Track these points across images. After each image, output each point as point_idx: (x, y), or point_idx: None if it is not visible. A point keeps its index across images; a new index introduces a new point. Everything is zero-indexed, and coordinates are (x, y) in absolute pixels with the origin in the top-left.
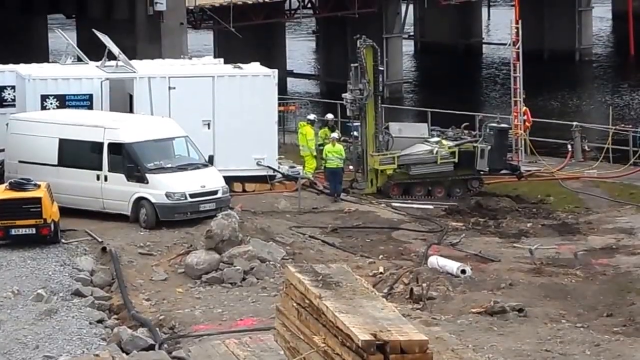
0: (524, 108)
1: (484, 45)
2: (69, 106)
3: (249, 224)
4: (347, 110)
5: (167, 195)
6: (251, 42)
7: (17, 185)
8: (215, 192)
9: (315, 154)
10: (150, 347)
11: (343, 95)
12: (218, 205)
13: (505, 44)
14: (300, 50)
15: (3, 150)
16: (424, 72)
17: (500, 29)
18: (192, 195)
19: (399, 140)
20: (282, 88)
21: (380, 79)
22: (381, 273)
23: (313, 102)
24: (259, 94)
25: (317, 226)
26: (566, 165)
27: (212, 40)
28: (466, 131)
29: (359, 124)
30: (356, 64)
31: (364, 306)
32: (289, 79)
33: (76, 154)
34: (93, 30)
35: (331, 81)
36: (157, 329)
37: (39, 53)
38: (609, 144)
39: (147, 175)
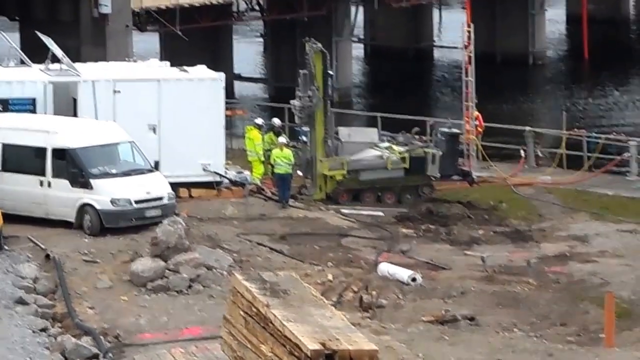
0: (476, 113)
1: (435, 49)
2: (12, 110)
3: (195, 231)
4: (296, 117)
5: (112, 201)
6: (198, 45)
7: None
8: (161, 198)
9: (263, 159)
10: (95, 356)
11: (291, 102)
12: (164, 211)
13: (457, 47)
14: (248, 53)
15: None
16: (375, 77)
17: (452, 32)
18: (137, 202)
19: (349, 145)
20: (229, 92)
21: (330, 83)
22: (330, 281)
23: (261, 107)
24: (206, 98)
25: (265, 233)
26: (519, 171)
27: (158, 43)
28: (417, 136)
29: (307, 129)
30: (305, 71)
31: (313, 315)
32: (236, 83)
33: (19, 159)
34: (36, 32)
35: (279, 85)
36: (102, 337)
37: None
38: (562, 149)
39: (92, 181)
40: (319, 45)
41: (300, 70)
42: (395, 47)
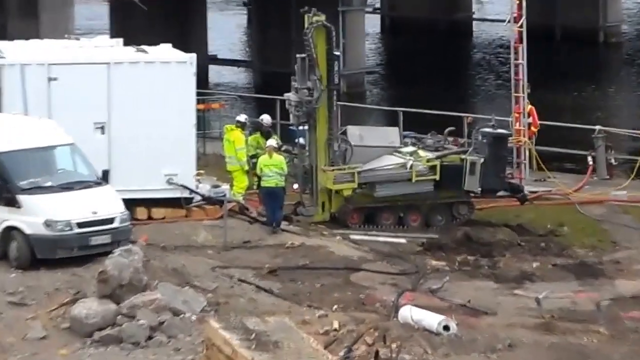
0: (529, 107)
1: (474, 23)
2: None
3: (157, 263)
4: (291, 115)
5: (47, 224)
6: (160, 17)
7: None
8: (111, 221)
9: (247, 168)
10: None
11: (286, 95)
12: (115, 237)
13: (503, 21)
14: (227, 28)
15: None
16: (395, 59)
17: (497, 1)
18: (80, 225)
19: (361, 150)
20: (202, 79)
21: (336, 68)
22: (336, 330)
23: (244, 99)
24: (171, 87)
25: (249, 266)
26: (585, 184)
27: (108, 15)
28: (451, 138)
29: (306, 129)
30: (303, 55)
31: None
32: (211, 67)
33: None
34: None
35: (268, 70)
36: None
37: None
38: None
39: (20, 197)
40: (322, 17)
41: (298, 55)
42: (422, 20)
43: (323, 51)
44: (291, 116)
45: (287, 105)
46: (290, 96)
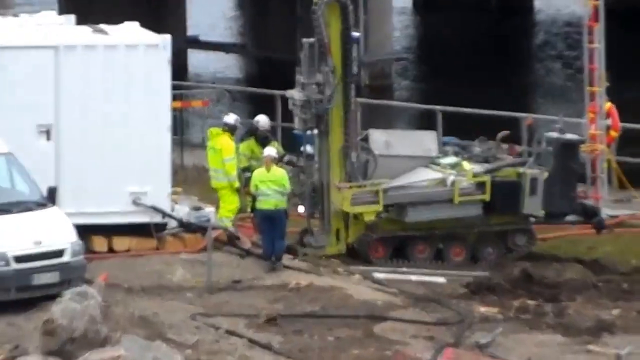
0: (608, 104)
1: None
2: None
3: (119, 310)
4: (296, 118)
5: None
6: None
7: None
8: (60, 253)
9: (237, 184)
10: None
11: (289, 93)
12: (65, 275)
13: None
14: (212, 2)
15: None
16: (431, 42)
17: None
18: (18, 259)
19: (387, 161)
20: (180, 67)
21: (355, 55)
22: None
23: (235, 94)
24: (139, 79)
25: (240, 313)
26: None
27: None
28: (505, 146)
29: (315, 133)
30: (311, 40)
31: None
32: (192, 53)
33: None
34: None
35: (266, 56)
36: None
37: None
38: None
39: None
40: None
41: (305, 40)
42: None
43: (337, 34)
44: (296, 119)
45: (290, 106)
46: (295, 94)
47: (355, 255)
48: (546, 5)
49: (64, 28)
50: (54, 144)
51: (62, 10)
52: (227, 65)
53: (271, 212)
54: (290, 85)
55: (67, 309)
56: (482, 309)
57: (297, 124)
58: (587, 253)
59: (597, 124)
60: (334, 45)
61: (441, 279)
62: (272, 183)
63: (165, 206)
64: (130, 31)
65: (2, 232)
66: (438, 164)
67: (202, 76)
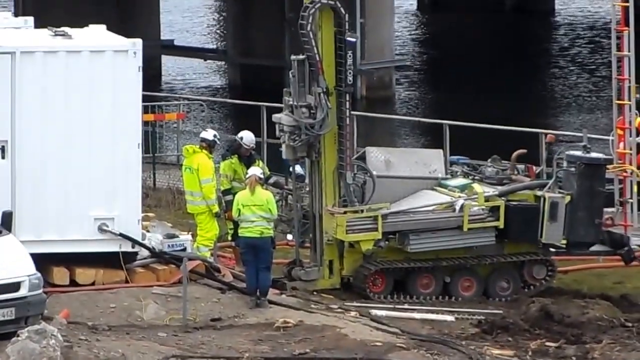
0: (638, 120)
1: None
2: None
3: (83, 352)
4: (284, 146)
5: None
6: None
7: None
8: (15, 287)
9: (217, 209)
10: None
11: (276, 117)
12: (21, 312)
13: None
14: (189, 3)
15: None
16: (437, 48)
17: None
18: None
19: (387, 183)
20: (152, 76)
21: (350, 61)
22: None
23: (215, 106)
24: (106, 89)
25: (220, 356)
26: None
27: None
28: (521, 166)
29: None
30: (302, 56)
31: None
32: (165, 59)
33: None
34: None
35: (250, 63)
36: None
37: None
38: None
39: None
40: None
41: (293, 57)
42: None
43: (331, 46)
44: (283, 147)
45: (278, 132)
46: (283, 118)
47: (350, 289)
48: (567, 6)
49: (21, 31)
50: (9, 162)
51: (19, 12)
52: (206, 73)
53: (255, 241)
54: (276, 94)
55: (24, 349)
56: (496, 352)
57: (285, 152)
58: (614, 288)
59: (626, 142)
60: (327, 60)
61: (449, 317)
62: (257, 208)
63: (135, 233)
64: (96, 35)
65: None
66: (445, 187)
67: (177, 85)
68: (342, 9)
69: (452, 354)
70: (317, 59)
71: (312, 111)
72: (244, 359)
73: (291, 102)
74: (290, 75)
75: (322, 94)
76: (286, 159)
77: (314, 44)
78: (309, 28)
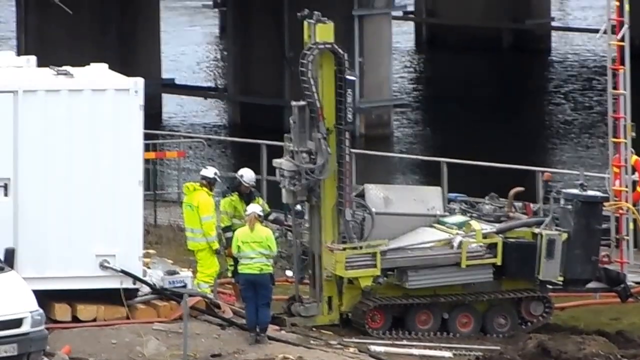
0: (634, 158)
1: (553, 33)
2: None
3: None
4: (283, 191)
5: None
6: (90, 25)
7: None
8: (18, 323)
9: (217, 246)
10: None
11: (276, 162)
12: (23, 348)
13: (596, 32)
14: (191, 39)
15: None
16: (435, 86)
17: (585, 5)
18: None
19: (386, 219)
20: (153, 114)
21: (349, 100)
22: None
23: (215, 144)
24: (107, 127)
25: None
26: None
27: (16, 19)
28: (519, 203)
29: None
30: (302, 103)
31: None
32: (166, 98)
33: None
34: None
35: (250, 101)
36: None
37: None
38: None
39: None
40: (329, 27)
41: (294, 103)
42: (476, 30)
43: (331, 86)
44: (283, 191)
45: (278, 176)
46: (284, 163)
47: (349, 325)
48: (564, 46)
49: (24, 70)
50: (11, 199)
51: (22, 51)
52: (206, 112)
53: (255, 277)
54: (277, 131)
55: None
56: None
57: (285, 196)
58: (610, 324)
59: (622, 180)
60: (328, 105)
61: (447, 354)
62: (257, 244)
63: (137, 270)
64: (98, 74)
65: None
66: (443, 224)
67: (178, 124)
68: (341, 51)
69: None
70: (318, 105)
71: (312, 156)
72: None
73: (292, 148)
74: (291, 121)
75: (322, 140)
76: (286, 202)
77: (314, 90)
78: (309, 75)
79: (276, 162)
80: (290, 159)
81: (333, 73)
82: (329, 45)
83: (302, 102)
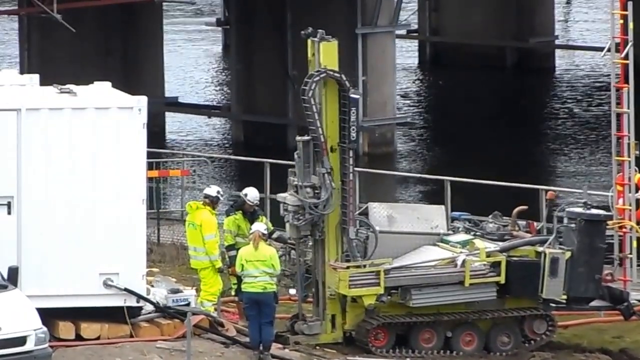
0: (638, 176)
1: (557, 51)
2: None
3: None
4: (287, 224)
5: None
6: (94, 42)
7: None
8: (22, 341)
9: (220, 264)
10: None
11: (280, 197)
12: None
13: (600, 50)
14: (194, 58)
15: None
16: (439, 103)
17: (589, 24)
18: None
19: (389, 238)
20: (156, 132)
21: (353, 118)
22: None
23: (219, 163)
24: (111, 145)
25: None
26: None
27: (18, 37)
28: (522, 222)
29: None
30: (306, 137)
31: None
32: (169, 116)
33: None
34: None
35: (254, 120)
36: None
37: None
38: None
39: None
40: (332, 40)
41: (298, 138)
42: (480, 48)
43: (335, 109)
44: (287, 226)
45: (282, 211)
46: (288, 198)
47: (353, 344)
48: (568, 64)
49: (27, 89)
50: (15, 217)
51: (25, 69)
52: (210, 130)
53: (259, 296)
54: (280, 151)
55: None
56: None
57: (288, 231)
58: (613, 342)
59: (625, 198)
60: (329, 128)
61: None
62: (260, 263)
63: (140, 288)
64: (101, 92)
65: None
66: (447, 242)
67: (181, 142)
68: (343, 77)
69: None
70: (322, 139)
71: (316, 191)
72: None
73: (296, 182)
74: (295, 156)
75: (326, 175)
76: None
77: (319, 125)
78: (314, 110)
79: (280, 196)
80: (294, 194)
81: (337, 91)
82: (330, 72)
83: (306, 137)
